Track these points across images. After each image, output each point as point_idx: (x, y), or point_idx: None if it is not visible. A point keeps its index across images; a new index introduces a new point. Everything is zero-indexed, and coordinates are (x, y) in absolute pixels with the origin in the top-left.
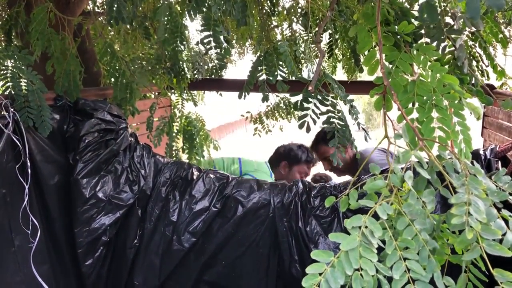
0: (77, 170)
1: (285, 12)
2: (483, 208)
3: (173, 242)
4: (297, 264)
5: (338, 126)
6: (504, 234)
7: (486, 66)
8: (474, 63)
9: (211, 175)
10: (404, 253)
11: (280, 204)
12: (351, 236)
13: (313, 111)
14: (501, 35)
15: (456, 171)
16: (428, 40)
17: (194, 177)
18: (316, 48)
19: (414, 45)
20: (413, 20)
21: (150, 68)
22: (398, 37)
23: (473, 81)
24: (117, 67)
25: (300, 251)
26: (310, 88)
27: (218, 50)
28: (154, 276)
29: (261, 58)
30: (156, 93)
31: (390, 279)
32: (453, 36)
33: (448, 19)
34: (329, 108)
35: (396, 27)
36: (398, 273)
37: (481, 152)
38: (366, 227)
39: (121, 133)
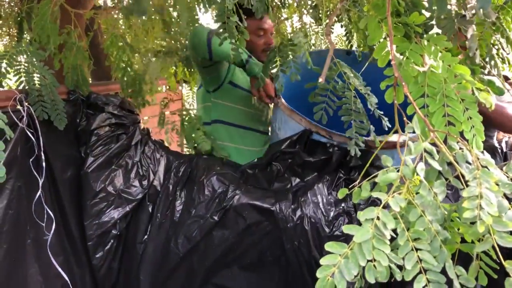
0: (88, 163)
1: (295, 4)
2: (494, 201)
3: (171, 244)
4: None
5: (355, 115)
6: None
7: (508, 54)
8: (494, 50)
9: (214, 179)
10: (416, 244)
11: (286, 223)
12: (364, 228)
13: (327, 102)
14: None
15: (467, 161)
16: (439, 31)
17: (200, 178)
18: (327, 40)
19: (425, 35)
20: (423, 11)
21: (162, 59)
22: (409, 28)
23: (486, 71)
24: (124, 59)
25: (311, 273)
26: (320, 80)
27: (233, 40)
28: (157, 273)
29: (275, 50)
30: (168, 87)
31: (401, 267)
32: (464, 26)
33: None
34: (345, 98)
35: (407, 18)
36: (410, 264)
37: (497, 145)
38: (378, 218)
39: (132, 127)
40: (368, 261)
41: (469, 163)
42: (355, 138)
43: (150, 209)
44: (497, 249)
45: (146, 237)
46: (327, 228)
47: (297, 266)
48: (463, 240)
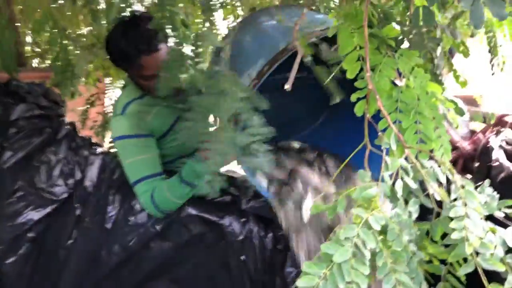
0: (5, 158)
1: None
2: (479, 222)
3: (102, 252)
4: None
5: None
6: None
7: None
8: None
9: None
10: (394, 265)
11: (234, 237)
12: (344, 247)
13: None
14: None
15: (438, 180)
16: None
17: None
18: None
19: (397, 50)
20: (394, 24)
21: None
22: (381, 41)
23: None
24: (58, 41)
25: (252, 282)
26: (287, 87)
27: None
28: (80, 283)
29: None
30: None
31: None
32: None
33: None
34: None
35: (380, 31)
36: (389, 286)
37: None
38: (358, 237)
39: (57, 120)
40: (347, 283)
41: (440, 182)
42: None
43: (77, 212)
44: (481, 271)
45: (70, 242)
46: (273, 243)
47: (239, 282)
48: (429, 261)
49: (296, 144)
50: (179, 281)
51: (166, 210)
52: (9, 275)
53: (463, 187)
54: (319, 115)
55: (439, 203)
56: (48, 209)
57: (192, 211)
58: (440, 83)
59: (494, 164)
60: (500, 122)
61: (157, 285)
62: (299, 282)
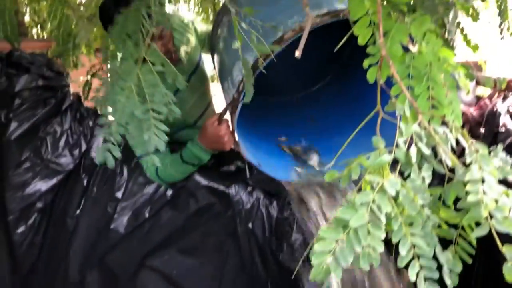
0: (10, 129)
1: None
2: (495, 186)
3: (113, 221)
4: (258, 267)
5: None
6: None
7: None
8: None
9: None
10: (410, 229)
11: (241, 206)
12: (360, 212)
13: None
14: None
15: (451, 146)
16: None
17: None
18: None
19: (410, 15)
20: None
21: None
22: (394, 6)
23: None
24: (60, 9)
25: (263, 256)
26: (297, 54)
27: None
28: (90, 251)
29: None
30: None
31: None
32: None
33: None
34: None
35: None
36: (405, 249)
37: None
38: (374, 202)
39: (61, 91)
40: (363, 247)
41: (452, 148)
42: None
43: (84, 182)
44: (495, 234)
45: (78, 211)
46: (280, 212)
47: (247, 249)
48: (439, 225)
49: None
50: (187, 250)
51: (172, 181)
52: (20, 244)
53: (477, 151)
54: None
55: (450, 169)
56: (55, 180)
57: (199, 180)
58: (451, 48)
59: (501, 130)
60: (508, 87)
61: (166, 254)
62: (316, 246)
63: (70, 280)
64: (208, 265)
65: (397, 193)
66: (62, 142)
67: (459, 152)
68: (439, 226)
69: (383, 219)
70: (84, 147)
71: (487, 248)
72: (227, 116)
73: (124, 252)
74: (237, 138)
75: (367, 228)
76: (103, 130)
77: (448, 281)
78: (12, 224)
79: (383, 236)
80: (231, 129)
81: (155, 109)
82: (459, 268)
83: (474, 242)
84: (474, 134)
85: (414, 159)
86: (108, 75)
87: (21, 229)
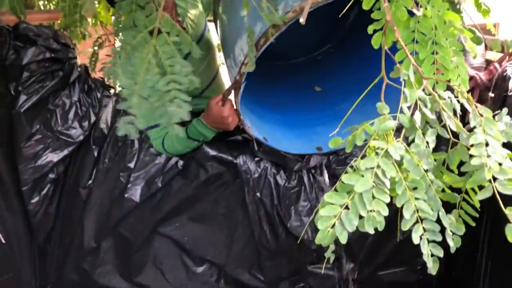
0: (20, 102)
1: None
2: (499, 149)
3: (127, 190)
4: (268, 235)
5: None
6: None
7: None
8: None
9: None
10: (414, 193)
11: (249, 175)
12: (365, 177)
13: None
14: None
15: (454, 111)
16: None
17: None
18: None
19: None
20: None
21: None
22: None
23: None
24: None
25: (271, 223)
26: (301, 20)
27: None
28: (104, 220)
29: None
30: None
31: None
32: None
33: None
34: None
35: None
36: (409, 213)
37: None
38: (378, 167)
39: (69, 63)
40: (368, 211)
41: (455, 113)
42: None
43: (95, 153)
44: (498, 196)
45: (90, 182)
46: (288, 180)
47: (256, 217)
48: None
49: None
50: (198, 218)
51: (177, 154)
52: (35, 213)
53: (481, 115)
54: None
55: (454, 135)
56: (66, 151)
57: (208, 151)
58: (458, 11)
59: (510, 94)
60: None
61: (177, 222)
62: (322, 211)
63: (86, 247)
64: (218, 232)
65: (402, 158)
66: (71, 114)
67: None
68: (443, 191)
69: (388, 184)
70: (93, 118)
71: (495, 211)
72: (232, 96)
73: (138, 220)
74: (241, 117)
75: (371, 192)
76: (122, 104)
77: (451, 243)
78: (26, 194)
79: (387, 200)
80: (234, 108)
81: (176, 80)
82: (462, 231)
83: (478, 205)
84: (483, 99)
85: (418, 124)
86: (118, 46)
87: (35, 199)
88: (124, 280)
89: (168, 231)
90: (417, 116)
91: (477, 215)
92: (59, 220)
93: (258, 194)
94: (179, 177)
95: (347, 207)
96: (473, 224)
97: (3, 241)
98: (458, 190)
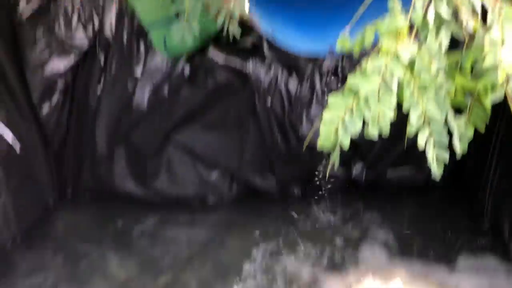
0: (21, 9)
1: None
2: None
3: (134, 98)
4: (278, 141)
5: None
6: None
7: None
8: None
9: None
10: (422, 94)
11: (259, 83)
12: (371, 78)
13: None
14: None
15: (474, 9)
16: None
17: None
18: None
19: None
20: None
21: None
22: None
23: None
24: None
25: (282, 130)
26: None
27: None
28: (115, 129)
29: None
30: None
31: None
32: None
33: None
34: None
35: None
36: (416, 115)
37: None
38: (386, 68)
39: None
40: (373, 114)
41: (475, 12)
42: None
43: (102, 60)
44: (509, 98)
45: (99, 91)
46: (300, 86)
47: (266, 125)
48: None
49: None
50: (209, 126)
51: (180, 54)
52: (47, 122)
53: (500, 10)
54: None
55: (470, 36)
56: (72, 59)
57: (216, 58)
58: None
59: None
60: None
61: (188, 130)
62: (325, 114)
63: (99, 155)
64: (229, 140)
65: (413, 62)
66: (74, 20)
67: None
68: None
69: (395, 85)
70: (97, 23)
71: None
72: None
73: (147, 129)
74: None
75: (377, 94)
76: (175, 7)
77: (457, 146)
78: (37, 103)
79: (394, 102)
80: None
81: None
82: (470, 135)
83: (489, 109)
84: None
85: (431, 22)
86: None
87: (46, 108)
88: (140, 186)
89: (180, 139)
90: (431, 13)
91: (487, 120)
92: (71, 128)
93: (268, 102)
94: (187, 86)
95: (351, 111)
96: (483, 129)
97: (18, 151)
98: (470, 95)
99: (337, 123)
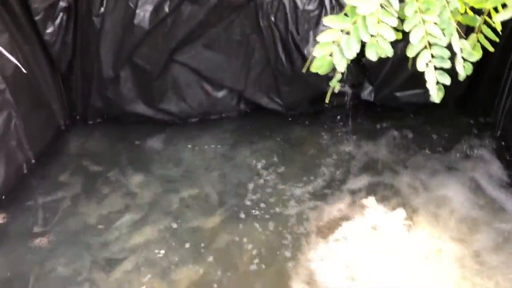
0: None
1: None
2: None
3: (136, 16)
4: (283, 61)
5: None
6: None
7: None
8: None
9: None
10: (425, 15)
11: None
12: None
13: None
14: None
15: None
16: None
17: None
18: None
19: None
20: None
21: None
22: None
23: None
24: None
25: (286, 49)
26: None
27: None
28: (119, 49)
29: None
30: None
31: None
32: None
33: None
34: None
35: None
36: (417, 37)
37: None
38: None
39: None
40: (371, 36)
41: None
42: None
43: None
44: None
45: (102, 10)
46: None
47: (271, 43)
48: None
49: None
50: (212, 46)
51: None
52: (53, 43)
53: None
54: None
55: None
56: None
57: None
58: None
59: None
60: None
61: (192, 49)
62: (321, 36)
63: (105, 77)
64: (234, 59)
65: None
66: None
67: None
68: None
69: (397, 5)
70: None
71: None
72: None
73: (151, 48)
74: None
75: (377, 15)
76: None
77: (460, 70)
78: (40, 24)
79: (394, 24)
80: None
81: None
82: (474, 57)
83: (500, 28)
84: None
85: None
86: None
87: (49, 29)
88: (148, 107)
89: (184, 59)
90: None
91: (498, 39)
92: (77, 50)
93: (272, 18)
94: (188, 2)
95: (348, 32)
96: (492, 49)
97: (24, 71)
98: (479, 13)
99: (332, 46)
